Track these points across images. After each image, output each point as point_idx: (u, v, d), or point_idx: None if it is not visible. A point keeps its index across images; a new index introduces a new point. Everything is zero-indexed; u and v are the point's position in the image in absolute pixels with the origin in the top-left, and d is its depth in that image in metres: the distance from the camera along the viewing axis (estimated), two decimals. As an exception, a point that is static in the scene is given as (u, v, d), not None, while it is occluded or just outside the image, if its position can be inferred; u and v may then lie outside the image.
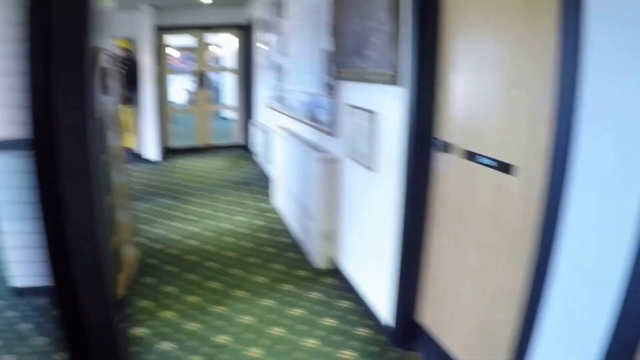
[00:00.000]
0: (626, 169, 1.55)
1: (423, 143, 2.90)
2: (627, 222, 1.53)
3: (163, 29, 10.32)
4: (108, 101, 4.11)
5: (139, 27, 9.70)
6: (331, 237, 4.56)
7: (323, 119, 4.53)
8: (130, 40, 9.77)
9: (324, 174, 4.37)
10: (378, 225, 3.55)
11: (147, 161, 10.16)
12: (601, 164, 1.64)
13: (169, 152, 10.85)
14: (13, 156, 4.05)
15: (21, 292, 4.28)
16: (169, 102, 17.65)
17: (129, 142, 9.86)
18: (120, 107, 9.38)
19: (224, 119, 15.01)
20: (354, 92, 3.82)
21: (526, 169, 2.17)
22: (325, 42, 4.25)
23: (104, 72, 3.95)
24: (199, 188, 7.96)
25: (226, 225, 6.01)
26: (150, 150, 10.17)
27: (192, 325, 3.75)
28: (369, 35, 3.34)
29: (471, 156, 2.57)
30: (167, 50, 16.64)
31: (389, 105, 3.20)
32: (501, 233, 2.37)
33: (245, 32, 10.37)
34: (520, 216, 2.22)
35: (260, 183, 8.09)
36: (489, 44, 2.39)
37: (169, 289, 4.38)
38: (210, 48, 18.36)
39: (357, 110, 3.66)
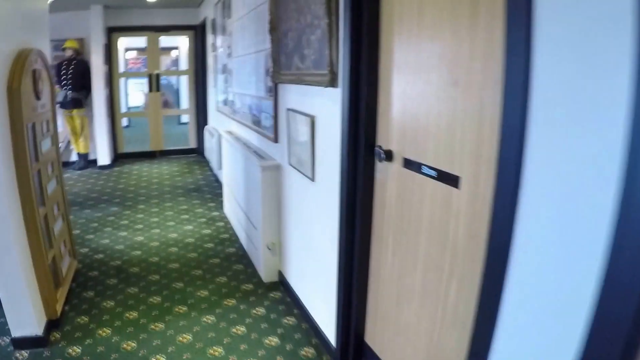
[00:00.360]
0: (587, 177, 1.33)
1: (362, 151, 2.69)
2: (591, 240, 1.32)
3: (115, 30, 10.05)
4: (41, 106, 3.87)
5: (89, 27, 9.38)
6: (276, 248, 4.35)
7: (267, 123, 4.31)
8: (81, 41, 9.48)
9: (267, 182, 4.16)
10: (321, 239, 3.35)
11: (99, 167, 9.85)
12: (557, 174, 1.42)
13: (122, 157, 10.61)
14: None
15: None
16: (128, 106, 17.54)
17: (82, 147, 9.62)
18: (71, 111, 9.23)
19: (184, 123, 14.70)
20: (295, 95, 3.61)
21: (471, 181, 1.95)
22: (268, 42, 4.03)
23: (36, 75, 3.70)
24: (149, 195, 7.70)
25: (173, 235, 5.77)
26: (103, 155, 9.85)
27: (129, 344, 3.52)
28: (308, 32, 3.12)
29: (412, 165, 2.36)
30: (124, 51, 16.37)
31: (328, 110, 2.99)
32: (449, 253, 2.15)
33: (198, 33, 10.14)
34: (468, 234, 2.00)
35: (212, 190, 7.88)
36: (428, 37, 2.18)
37: (109, 304, 4.14)
38: (171, 50, 18.08)
39: (298, 115, 3.45)
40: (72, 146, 9.82)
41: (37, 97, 3.76)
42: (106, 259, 5.11)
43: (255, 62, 4.54)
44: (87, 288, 4.45)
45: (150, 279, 4.59)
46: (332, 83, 2.81)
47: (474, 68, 1.88)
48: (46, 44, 4.33)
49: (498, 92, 1.69)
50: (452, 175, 2.06)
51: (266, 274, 4.42)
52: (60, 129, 9.43)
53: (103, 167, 9.80)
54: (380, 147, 2.61)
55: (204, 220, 6.33)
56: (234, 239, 5.57)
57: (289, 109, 3.67)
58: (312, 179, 3.31)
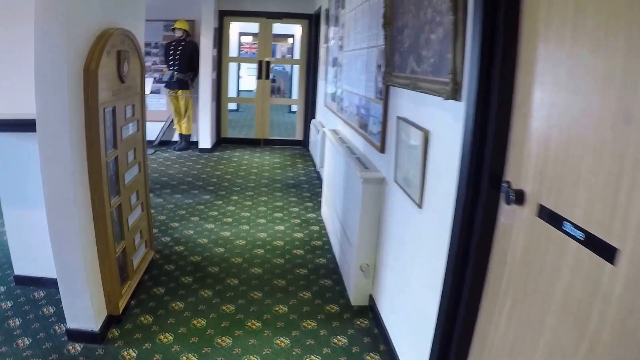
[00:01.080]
0: None
1: (485, 184, 2.08)
2: None
3: (227, 14, 9.92)
4: (126, 89, 3.58)
5: (201, 9, 9.29)
6: (369, 271, 3.81)
7: (374, 129, 3.76)
8: (192, 23, 9.41)
9: (367, 197, 3.61)
10: (421, 276, 2.76)
11: (200, 149, 9.75)
12: None
13: (224, 142, 10.48)
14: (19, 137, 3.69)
15: (24, 281, 4.06)
16: (239, 90, 17.53)
17: (184, 128, 9.58)
18: (176, 91, 9.17)
19: (293, 112, 14.43)
20: (407, 102, 3.02)
21: (636, 260, 1.31)
22: (381, 38, 3.48)
23: (120, 57, 3.41)
24: (245, 186, 7.36)
25: (262, 235, 5.36)
26: (204, 138, 9.76)
27: (189, 358, 3.14)
28: (427, 31, 2.53)
29: (550, 217, 1.72)
30: (239, 36, 16.33)
31: (447, 126, 2.40)
32: (585, 344, 1.50)
33: (312, 22, 9.81)
34: (620, 331, 1.36)
35: (312, 188, 7.37)
36: (588, 49, 1.53)
37: (178, 305, 3.81)
38: (287, 37, 17.96)
39: (409, 126, 2.87)
40: (175, 126, 9.79)
41: (121, 80, 3.47)
42: (186, 253, 4.79)
43: (367, 58, 4.02)
44: (159, 283, 4.15)
45: (227, 283, 4.20)
46: (454, 94, 2.21)
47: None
48: (139, 24, 4.07)
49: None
50: (608, 244, 1.40)
51: (355, 297, 3.90)
52: (164, 108, 9.40)
53: (203, 151, 9.71)
54: (509, 183, 1.98)
55: (298, 221, 5.86)
56: (326, 248, 5.06)
57: (399, 117, 3.09)
58: (419, 205, 2.72)
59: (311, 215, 6.10)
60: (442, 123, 2.45)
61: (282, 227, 5.61)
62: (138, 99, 3.93)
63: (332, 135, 5.30)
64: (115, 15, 3.47)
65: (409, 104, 2.96)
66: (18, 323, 3.50)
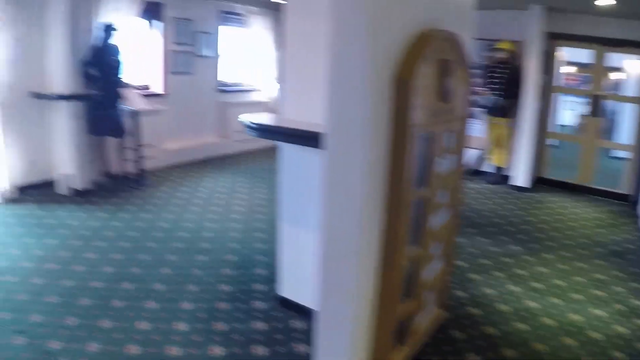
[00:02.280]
0: None
1: None
2: None
3: (555, 37, 8.72)
4: (447, 111, 2.98)
5: (526, 30, 8.38)
6: None
7: None
8: (516, 44, 8.54)
9: None
10: None
11: (513, 187, 8.75)
12: None
13: (541, 182, 9.21)
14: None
15: (285, 304, 3.86)
16: (557, 124, 15.91)
17: (499, 160, 8.81)
18: (498, 118, 8.39)
19: (615, 158, 12.47)
20: None
21: None
22: None
23: (444, 68, 2.80)
24: (560, 243, 6.21)
25: (575, 317, 4.33)
26: (520, 175, 8.73)
27: None
28: None
29: None
30: (561, 63, 14.77)
31: None
32: None
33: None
34: None
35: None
36: None
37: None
38: (611, 70, 15.73)
39: None
40: (488, 156, 9.07)
41: (442, 99, 2.86)
42: (481, 319, 4.09)
43: None
44: (439, 353, 3.53)
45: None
46: None
47: None
48: (467, 29, 3.44)
49: None
50: None
51: None
52: (478, 134, 8.72)
53: (517, 189, 8.68)
54: None
55: (620, 308, 4.58)
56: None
57: None
58: None
59: (638, 302, 4.78)
60: None
61: (601, 312, 4.48)
62: (461, 125, 3.30)
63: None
64: (439, 12, 2.89)
65: None
66: (264, 353, 3.24)
